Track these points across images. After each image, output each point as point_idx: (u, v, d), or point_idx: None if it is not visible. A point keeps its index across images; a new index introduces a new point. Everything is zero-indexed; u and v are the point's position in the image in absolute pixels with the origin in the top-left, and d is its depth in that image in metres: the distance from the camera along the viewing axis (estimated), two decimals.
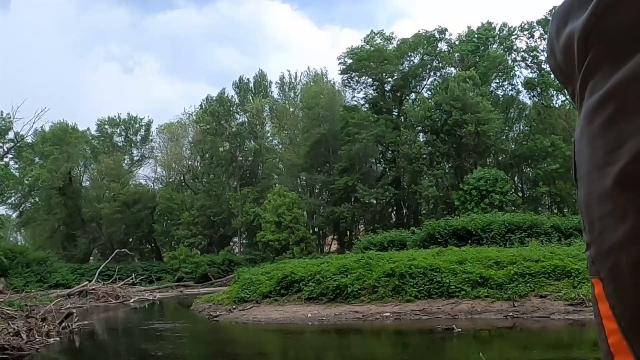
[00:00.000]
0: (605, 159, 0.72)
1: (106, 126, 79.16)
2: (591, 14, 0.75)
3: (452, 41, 65.87)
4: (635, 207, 0.68)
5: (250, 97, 74.87)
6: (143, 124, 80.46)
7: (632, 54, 0.70)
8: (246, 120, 73.36)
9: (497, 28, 65.00)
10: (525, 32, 62.59)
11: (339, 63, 66.49)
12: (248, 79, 75.77)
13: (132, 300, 45.69)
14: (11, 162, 67.37)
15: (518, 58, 64.26)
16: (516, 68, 64.49)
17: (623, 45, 0.72)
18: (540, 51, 60.80)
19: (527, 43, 63.36)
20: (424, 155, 58.66)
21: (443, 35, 65.97)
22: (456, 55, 64.36)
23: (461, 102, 54.22)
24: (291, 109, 75.97)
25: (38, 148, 69.96)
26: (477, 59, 61.64)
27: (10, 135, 62.75)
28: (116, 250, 59.50)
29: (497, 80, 64.67)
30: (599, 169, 0.73)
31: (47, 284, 50.89)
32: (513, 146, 61.69)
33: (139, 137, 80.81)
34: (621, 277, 0.70)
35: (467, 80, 55.43)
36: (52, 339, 23.64)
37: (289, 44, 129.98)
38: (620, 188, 0.69)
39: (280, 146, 75.38)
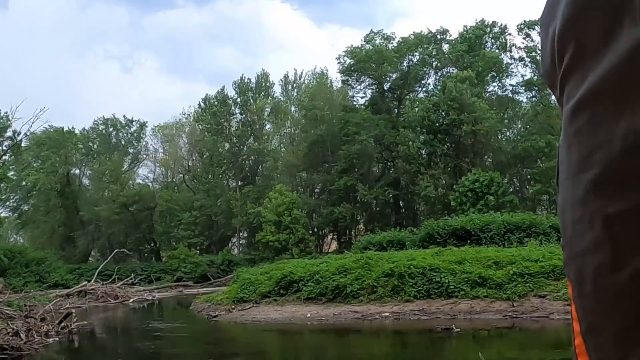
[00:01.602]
0: (579, 167, 0.74)
1: (102, 127, 78.84)
2: (562, 17, 0.76)
3: (451, 41, 65.89)
4: (600, 216, 0.69)
5: (251, 97, 74.56)
6: (139, 124, 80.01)
7: (598, 61, 0.71)
8: (247, 119, 73.24)
9: (489, 25, 65.13)
10: (522, 32, 62.48)
11: (338, 63, 66.60)
12: (249, 79, 75.56)
13: (131, 300, 45.65)
14: (9, 163, 67.02)
15: (515, 57, 64.35)
16: (512, 67, 64.57)
17: (591, 51, 0.72)
18: (538, 50, 60.77)
19: (524, 42, 63.45)
20: (423, 155, 58.71)
21: (443, 36, 66.12)
22: (450, 55, 64.28)
23: (458, 103, 54.32)
24: (292, 109, 75.84)
25: (34, 151, 69.67)
26: (472, 59, 61.58)
27: (9, 133, 62.38)
28: (115, 250, 59.45)
29: (496, 80, 64.81)
30: (574, 175, 0.75)
31: (46, 284, 50.82)
32: (511, 146, 61.60)
33: (136, 137, 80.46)
34: (584, 283, 0.73)
35: (465, 80, 55.50)
36: (51, 339, 23.63)
37: (288, 43, 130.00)
38: (590, 196, 0.71)
39: (281, 146, 75.28)
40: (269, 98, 75.77)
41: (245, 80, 74.84)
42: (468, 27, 64.73)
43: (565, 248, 0.77)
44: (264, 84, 76.07)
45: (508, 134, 65.64)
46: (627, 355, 0.68)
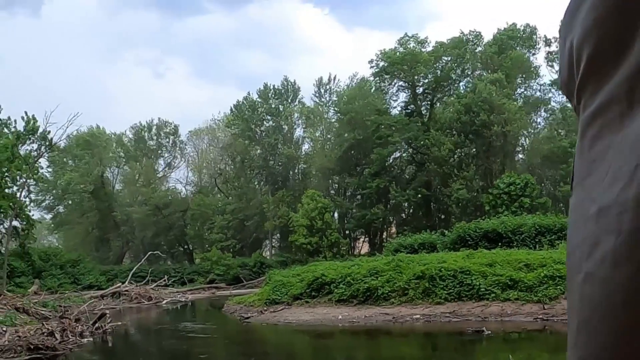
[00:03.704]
0: (587, 175, 0.76)
1: (136, 130, 79.53)
2: (582, 27, 0.79)
3: (483, 44, 65.69)
4: (582, 218, 0.74)
5: (282, 102, 74.57)
6: (172, 128, 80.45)
7: (613, 71, 0.72)
8: (278, 124, 73.39)
9: (521, 30, 64.91)
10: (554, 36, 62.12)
11: (371, 66, 66.55)
12: (281, 83, 75.57)
13: (164, 302, 45.98)
14: (45, 165, 67.84)
15: (544, 59, 64.24)
16: (542, 68, 64.37)
17: (606, 61, 0.74)
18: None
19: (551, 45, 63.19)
20: (455, 157, 58.56)
21: (478, 39, 65.89)
22: (481, 57, 64.09)
23: (488, 104, 54.20)
24: (324, 113, 75.46)
25: (70, 151, 70.45)
26: (501, 60, 61.26)
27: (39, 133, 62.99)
28: (149, 252, 59.92)
29: (526, 83, 64.61)
30: (582, 182, 0.78)
31: (81, 285, 51.50)
32: (542, 147, 61.06)
33: (169, 141, 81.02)
34: (570, 279, 0.77)
35: (495, 82, 55.37)
36: (86, 339, 23.94)
37: (317, 47, 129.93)
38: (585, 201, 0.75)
39: (313, 151, 75.01)
40: (297, 102, 75.68)
41: (275, 85, 74.90)
42: (501, 30, 64.56)
43: (567, 246, 0.82)
44: (293, 88, 75.93)
45: (541, 134, 65.05)
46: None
